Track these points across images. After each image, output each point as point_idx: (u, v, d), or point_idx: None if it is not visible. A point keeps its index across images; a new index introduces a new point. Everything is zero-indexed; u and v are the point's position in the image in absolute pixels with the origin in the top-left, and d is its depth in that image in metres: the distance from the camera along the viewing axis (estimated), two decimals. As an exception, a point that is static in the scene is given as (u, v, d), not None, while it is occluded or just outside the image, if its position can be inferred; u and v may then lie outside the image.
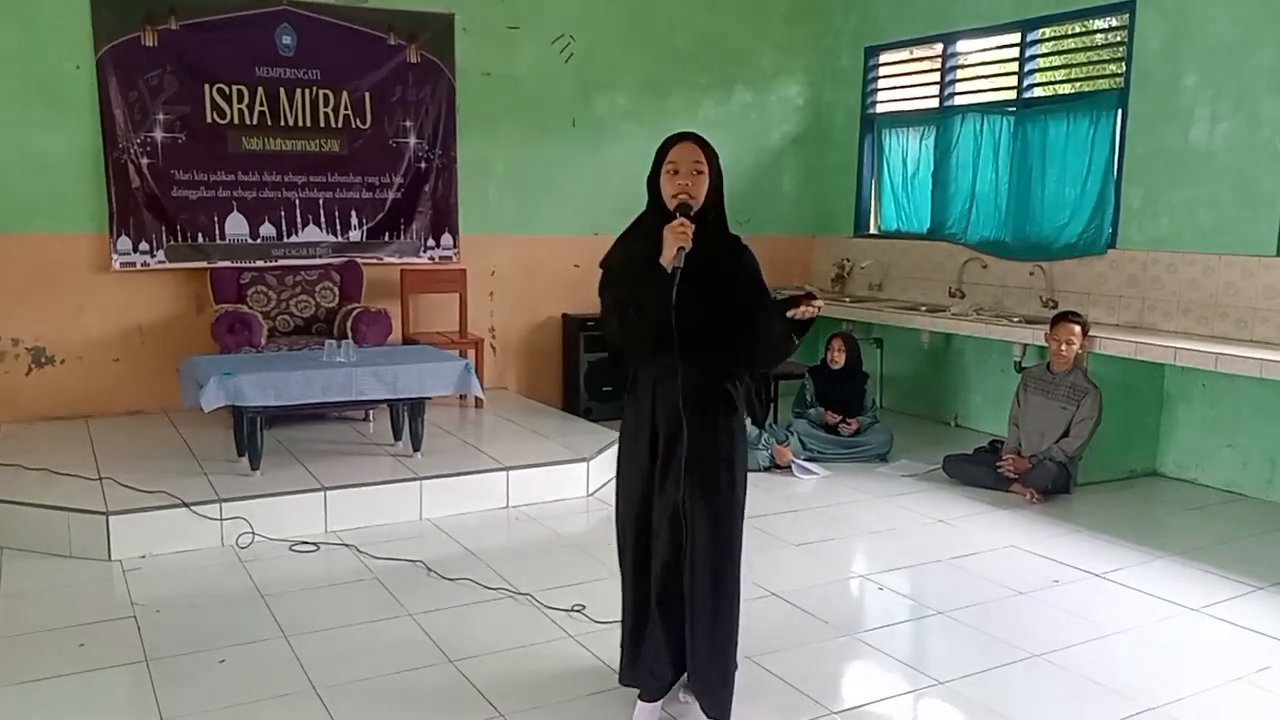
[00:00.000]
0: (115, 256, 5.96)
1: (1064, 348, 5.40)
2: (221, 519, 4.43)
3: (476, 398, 5.88)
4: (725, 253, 2.81)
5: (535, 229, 7.17)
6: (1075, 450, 5.36)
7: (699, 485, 2.81)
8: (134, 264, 6.01)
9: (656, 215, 2.77)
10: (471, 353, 6.41)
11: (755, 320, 2.79)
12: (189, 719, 2.99)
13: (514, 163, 7.03)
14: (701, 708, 2.91)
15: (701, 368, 2.78)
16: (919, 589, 4.14)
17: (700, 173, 2.73)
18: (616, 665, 3.11)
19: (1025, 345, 6.03)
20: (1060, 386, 5.44)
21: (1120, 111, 6.00)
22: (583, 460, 5.31)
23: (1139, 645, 3.64)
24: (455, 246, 6.86)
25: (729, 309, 2.79)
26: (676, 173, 2.73)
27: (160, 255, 6.05)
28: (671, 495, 2.82)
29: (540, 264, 7.19)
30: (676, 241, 2.63)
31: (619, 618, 3.07)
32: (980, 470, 5.57)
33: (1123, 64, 6.02)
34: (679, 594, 2.87)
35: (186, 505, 4.39)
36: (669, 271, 2.64)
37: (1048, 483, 5.32)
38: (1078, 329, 5.40)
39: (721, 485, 2.83)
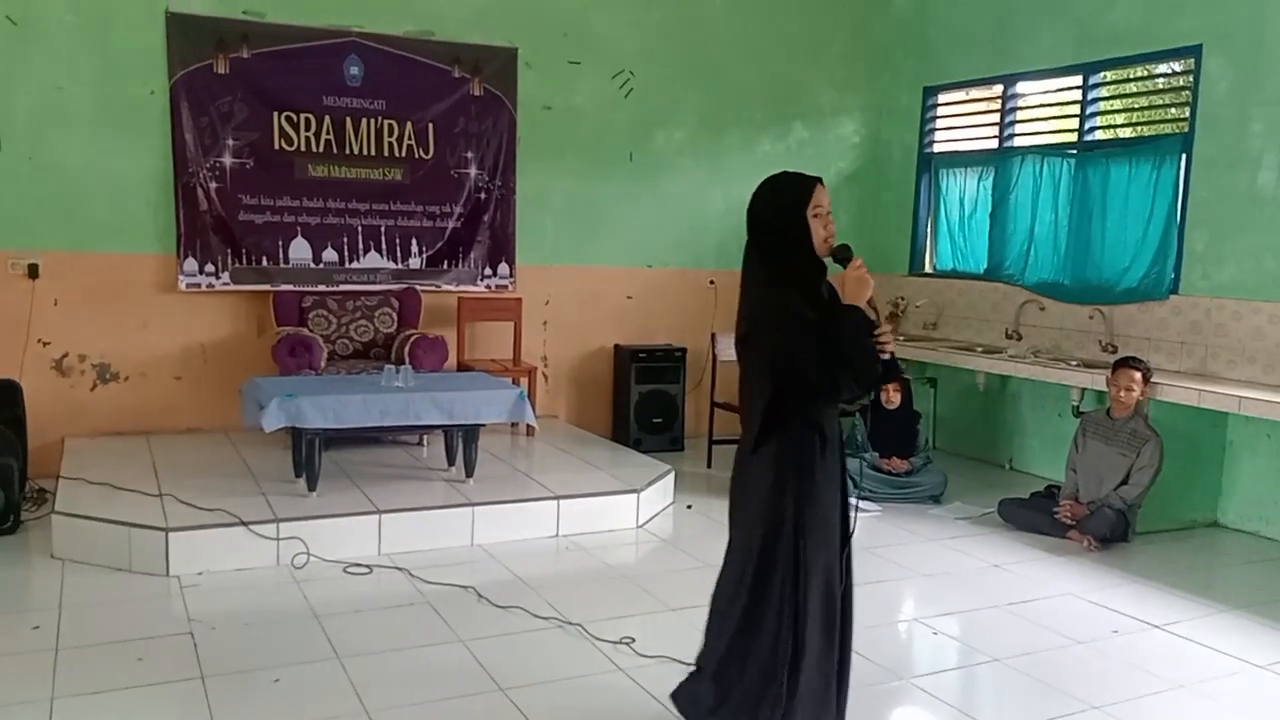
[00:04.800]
0: (181, 277, 6.09)
1: (1124, 394, 5.32)
2: (278, 539, 4.48)
3: (529, 426, 5.92)
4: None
5: (590, 260, 7.23)
6: (1135, 498, 5.27)
7: (848, 519, 2.90)
8: (199, 285, 6.13)
9: (802, 258, 2.74)
10: (524, 381, 6.45)
11: None
12: (244, 737, 3.02)
13: (571, 195, 7.11)
14: None
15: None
16: (973, 634, 4.08)
17: (831, 215, 2.76)
18: (665, 700, 3.07)
19: (1084, 390, 5.94)
20: (1120, 433, 5.35)
21: (1184, 156, 5.93)
22: (633, 492, 5.31)
23: (1202, 700, 3.55)
24: (511, 276, 6.93)
25: None
26: (819, 216, 2.72)
27: (225, 277, 6.18)
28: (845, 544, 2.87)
29: (594, 295, 7.24)
30: (868, 286, 2.70)
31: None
32: (1036, 515, 5.49)
33: (1187, 108, 5.97)
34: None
35: (244, 524, 4.45)
36: (865, 312, 2.71)
37: (1106, 530, 5.23)
38: (1139, 375, 5.32)
39: None
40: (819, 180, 2.76)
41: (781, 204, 2.74)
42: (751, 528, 2.84)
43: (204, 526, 4.42)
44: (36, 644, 3.61)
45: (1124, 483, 5.29)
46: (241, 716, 3.13)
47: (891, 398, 6.12)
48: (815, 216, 2.71)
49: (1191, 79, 5.92)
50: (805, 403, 2.73)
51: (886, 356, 2.75)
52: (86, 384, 6.03)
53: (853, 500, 2.90)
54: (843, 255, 2.74)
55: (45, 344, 5.91)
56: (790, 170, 2.83)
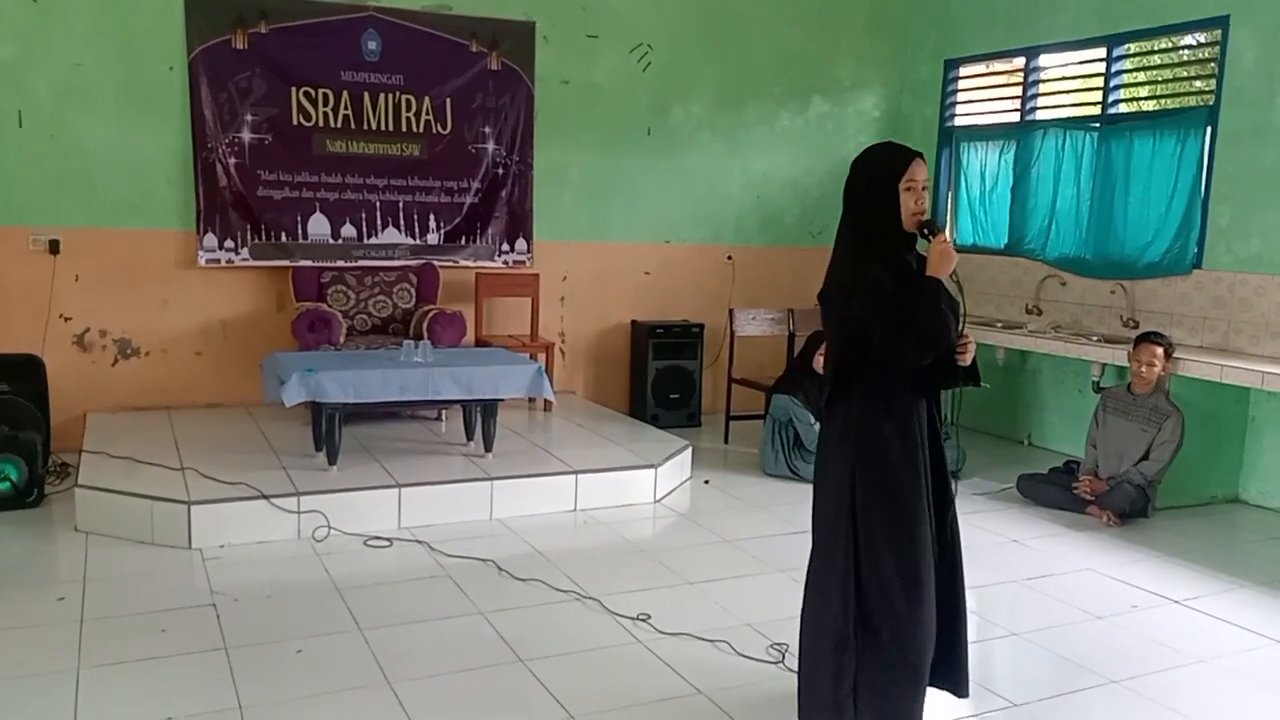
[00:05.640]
0: (201, 253, 6.12)
1: (1145, 369, 5.29)
2: (299, 512, 4.52)
3: (546, 401, 5.93)
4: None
5: (608, 236, 7.21)
6: (1155, 474, 5.24)
7: (948, 489, 2.96)
8: (219, 261, 6.16)
9: (888, 228, 2.78)
10: (542, 356, 6.46)
11: None
12: (267, 707, 3.05)
13: (589, 170, 7.09)
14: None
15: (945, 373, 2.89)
16: (993, 609, 4.07)
17: (925, 189, 2.80)
18: (696, 677, 3.08)
19: (1104, 365, 5.90)
20: (1141, 408, 5.32)
21: (1209, 129, 5.86)
22: (650, 466, 5.32)
23: (1222, 675, 3.54)
24: (529, 251, 6.92)
25: None
26: (912, 189, 2.76)
27: (244, 253, 6.20)
28: (930, 507, 2.89)
29: (611, 270, 7.23)
30: (951, 261, 2.75)
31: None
32: (1055, 491, 5.47)
33: (1213, 80, 5.89)
34: None
35: (265, 497, 4.49)
36: (946, 286, 2.77)
37: (1125, 506, 5.21)
38: (1160, 350, 5.28)
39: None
40: (918, 155, 2.79)
41: (876, 173, 2.80)
42: (819, 495, 2.95)
43: (226, 500, 4.46)
44: (61, 616, 3.66)
45: (1144, 458, 5.26)
46: (264, 688, 3.17)
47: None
48: (907, 190, 2.75)
49: (1218, 51, 5.84)
50: (871, 370, 2.78)
51: (966, 363, 2.83)
52: (108, 359, 6.08)
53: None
54: (929, 230, 2.79)
55: (67, 319, 5.95)
56: (895, 141, 2.88)
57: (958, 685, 3.01)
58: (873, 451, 2.80)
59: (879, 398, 2.81)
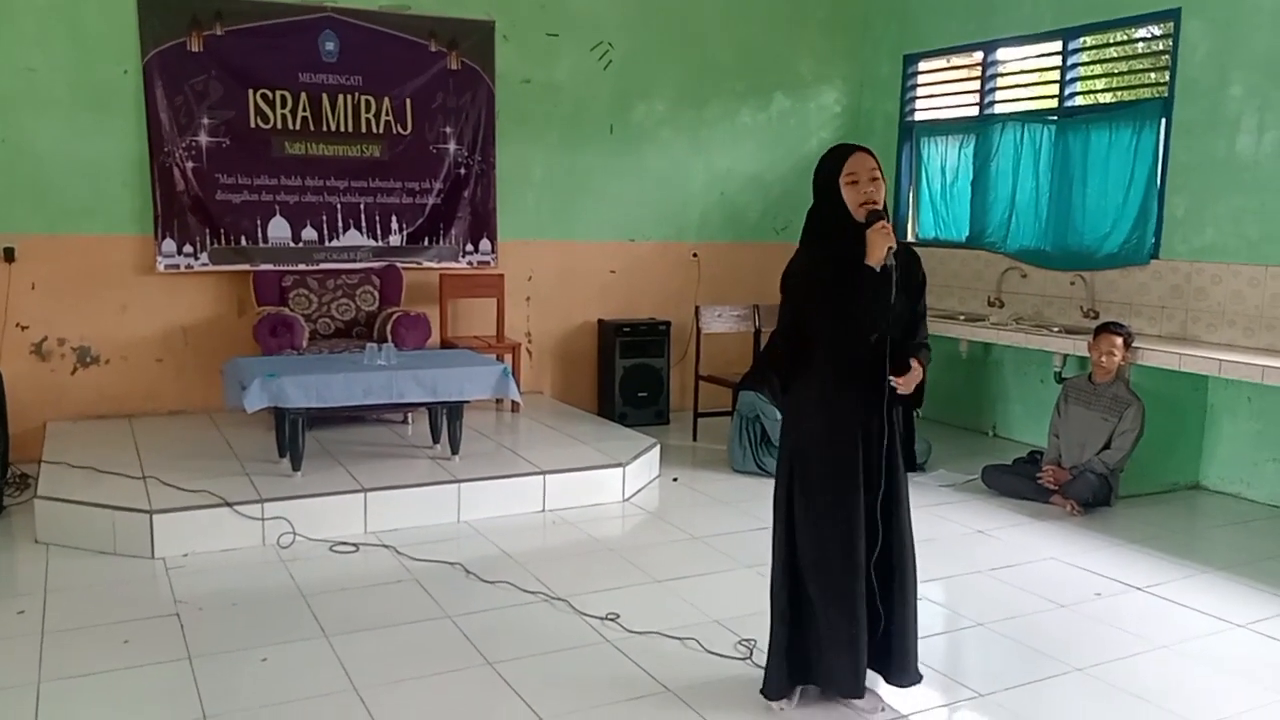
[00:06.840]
0: (160, 258, 6.04)
1: (1105, 359, 5.35)
2: (263, 519, 4.48)
3: (513, 401, 5.91)
4: (899, 252, 2.93)
5: (572, 235, 7.20)
6: (1117, 462, 5.31)
7: (900, 478, 3.04)
8: (178, 266, 6.08)
9: (836, 224, 2.90)
10: (508, 357, 6.44)
11: (918, 318, 3.02)
12: (232, 717, 3.02)
13: (552, 169, 7.07)
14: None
15: (895, 362, 2.93)
16: (958, 600, 4.11)
17: (876, 179, 2.88)
18: (664, 675, 3.09)
19: (1065, 356, 5.97)
20: (1102, 398, 5.38)
21: (1164, 120, 5.94)
22: (618, 465, 5.32)
23: (1185, 660, 3.59)
24: (493, 252, 6.89)
25: (910, 306, 2.99)
26: (856, 182, 2.85)
27: (204, 258, 6.13)
28: (873, 493, 2.97)
29: (577, 269, 7.22)
30: (886, 242, 2.82)
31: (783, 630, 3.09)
32: (1019, 481, 5.52)
33: (1166, 73, 5.96)
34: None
35: (229, 505, 4.44)
36: (879, 271, 2.83)
37: (1088, 495, 5.27)
38: (1120, 340, 5.34)
39: (904, 478, 3.09)
40: (857, 149, 2.89)
41: (822, 171, 2.94)
42: (775, 481, 3.11)
43: (188, 508, 4.41)
44: (22, 628, 3.61)
45: (1106, 447, 5.32)
46: (229, 697, 3.14)
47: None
48: (849, 184, 2.86)
49: (1170, 43, 5.92)
50: (811, 353, 2.93)
51: (905, 392, 2.93)
52: (67, 367, 5.99)
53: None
54: (872, 219, 2.86)
55: (24, 328, 5.86)
56: (846, 142, 3.01)
57: (902, 676, 3.12)
58: (806, 440, 2.98)
59: (818, 380, 2.94)
